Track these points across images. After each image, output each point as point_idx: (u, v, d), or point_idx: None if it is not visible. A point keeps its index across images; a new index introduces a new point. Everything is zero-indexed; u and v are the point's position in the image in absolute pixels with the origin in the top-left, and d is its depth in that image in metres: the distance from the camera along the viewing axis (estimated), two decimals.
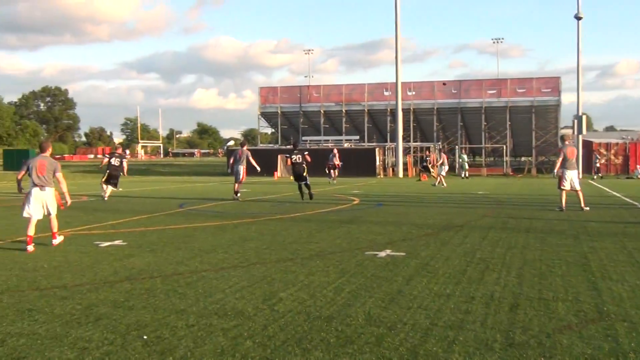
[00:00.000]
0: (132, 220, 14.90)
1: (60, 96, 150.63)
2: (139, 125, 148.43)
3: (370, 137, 62.55)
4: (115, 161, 24.62)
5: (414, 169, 53.48)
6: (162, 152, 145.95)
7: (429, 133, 63.04)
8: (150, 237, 11.90)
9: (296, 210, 17.43)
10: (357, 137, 58.93)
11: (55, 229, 11.18)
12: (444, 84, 60.34)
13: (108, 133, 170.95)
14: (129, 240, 11.38)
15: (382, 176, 51.02)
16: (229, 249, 10.33)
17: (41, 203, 10.90)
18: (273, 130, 73.32)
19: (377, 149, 52.07)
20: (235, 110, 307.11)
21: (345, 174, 49.19)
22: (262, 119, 65.43)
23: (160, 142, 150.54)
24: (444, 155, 35.72)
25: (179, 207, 19.19)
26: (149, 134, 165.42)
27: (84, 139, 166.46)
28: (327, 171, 40.63)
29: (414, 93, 59.85)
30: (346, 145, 56.93)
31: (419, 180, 34.43)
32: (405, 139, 58.37)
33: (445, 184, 34.15)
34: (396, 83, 51.83)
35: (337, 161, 39.68)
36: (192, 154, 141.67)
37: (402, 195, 24.81)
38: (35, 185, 10.93)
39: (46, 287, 7.52)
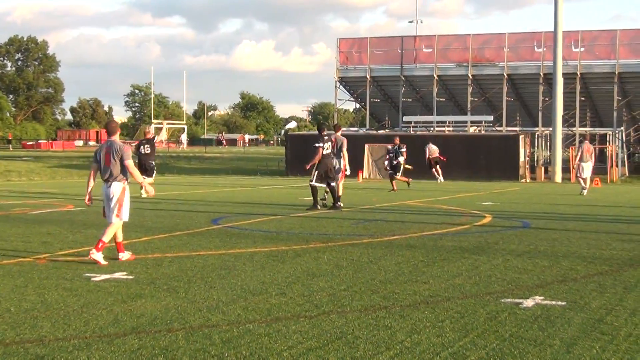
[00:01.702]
0: (141, 242, 15.20)
1: (35, 52, 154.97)
2: (152, 96, 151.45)
3: (511, 117, 61.95)
4: (144, 149, 28.90)
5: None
6: (185, 136, 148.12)
7: (605, 112, 61.88)
8: (168, 268, 12.14)
9: (392, 231, 17.43)
10: (491, 118, 58.53)
11: (105, 238, 12.73)
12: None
13: (105, 108, 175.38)
14: (136, 273, 11.63)
15: (528, 180, 50.40)
16: (288, 288, 10.42)
17: (110, 202, 13.02)
18: (358, 105, 73.58)
19: (521, 137, 51.56)
20: (299, 75, 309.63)
21: (471, 175, 48.87)
22: (341, 88, 65.77)
23: (184, 122, 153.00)
24: (586, 146, 34.00)
25: (212, 222, 19.48)
26: (167, 110, 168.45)
27: (69, 116, 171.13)
28: (431, 168, 41.31)
29: (583, 49, 58.92)
30: (473, 130, 56.57)
31: (582, 193, 33.28)
32: (568, 120, 57.49)
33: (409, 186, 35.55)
34: (555, 33, 51.12)
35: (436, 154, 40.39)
36: (235, 141, 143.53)
37: (562, 211, 24.45)
38: (103, 180, 13.14)
39: (14, 340, 7.75)
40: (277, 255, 13.49)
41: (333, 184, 23.63)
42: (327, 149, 23.63)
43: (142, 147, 28.85)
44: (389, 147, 37.40)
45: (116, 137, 13.24)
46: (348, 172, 24.88)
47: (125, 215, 13.08)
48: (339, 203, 24.04)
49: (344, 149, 24.67)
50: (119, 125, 13.51)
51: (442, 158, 44.82)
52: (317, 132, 24.30)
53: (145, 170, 28.24)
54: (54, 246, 14.68)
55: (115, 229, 12.96)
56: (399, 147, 36.03)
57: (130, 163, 12.96)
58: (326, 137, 23.72)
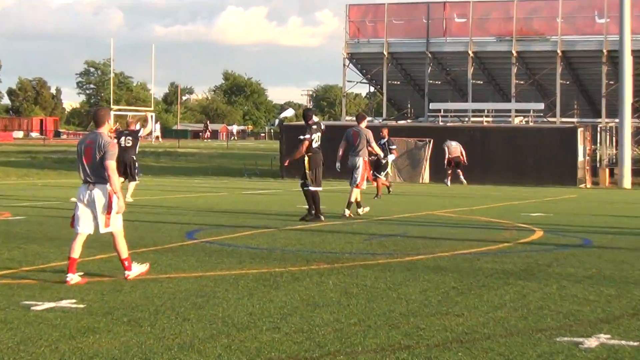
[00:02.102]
0: (95, 261, 15.13)
1: None
2: (111, 76, 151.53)
3: (567, 105, 61.93)
4: (126, 141, 29.97)
5: None
6: (154, 126, 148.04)
7: None
8: (129, 295, 12.07)
9: (416, 249, 17.42)
10: (541, 106, 58.49)
11: (123, 255, 13.35)
12: None
13: (52, 90, 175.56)
14: (88, 300, 11.56)
15: (589, 185, 50.41)
16: (283, 322, 10.36)
17: (89, 210, 13.28)
18: (373, 89, 73.60)
19: (580, 131, 51.52)
20: (298, 50, 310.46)
21: (516, 178, 48.85)
22: (351, 67, 65.78)
23: (152, 108, 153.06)
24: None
25: (186, 236, 19.44)
26: (130, 93, 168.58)
27: (6, 100, 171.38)
28: (449, 168, 42.21)
29: None
30: (519, 120, 56.62)
31: None
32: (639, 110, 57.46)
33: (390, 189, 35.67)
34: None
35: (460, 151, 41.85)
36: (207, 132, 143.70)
37: (632, 225, 24.40)
38: (82, 181, 13.42)
39: None
40: (269, 279, 13.46)
41: (314, 188, 23.61)
42: (317, 141, 23.66)
43: (122, 138, 29.76)
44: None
45: (104, 129, 13.34)
46: (381, 155, 26.09)
47: (118, 224, 13.35)
48: (348, 213, 24.35)
49: (372, 143, 25.26)
50: (109, 114, 13.77)
51: (463, 159, 45.10)
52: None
53: (125, 169, 29.44)
54: None
55: (122, 238, 13.43)
56: (388, 142, 35.93)
57: (111, 165, 13.02)
58: (315, 127, 23.69)
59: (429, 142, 51.45)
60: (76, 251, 13.13)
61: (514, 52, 60.83)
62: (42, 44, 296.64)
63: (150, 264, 14.79)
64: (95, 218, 13.17)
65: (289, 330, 9.90)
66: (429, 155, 51.35)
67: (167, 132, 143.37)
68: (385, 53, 63.18)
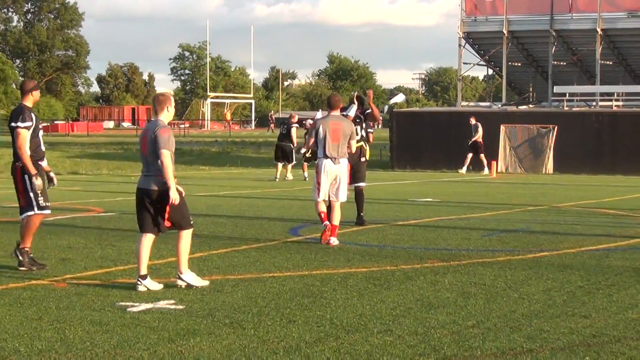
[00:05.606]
0: (194, 260, 15.27)
1: (52, 0, 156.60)
2: (208, 61, 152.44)
3: None
4: None
5: None
6: (253, 115, 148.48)
7: None
8: (230, 295, 12.25)
9: (539, 245, 17.41)
10: None
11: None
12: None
13: (145, 77, 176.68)
14: (188, 301, 11.77)
15: None
16: (396, 324, 10.43)
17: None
18: (491, 71, 73.13)
19: None
20: (410, 30, 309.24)
21: None
22: (467, 47, 65.32)
23: (251, 95, 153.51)
24: None
25: (290, 232, 19.63)
26: (228, 79, 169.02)
27: (96, 87, 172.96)
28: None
29: None
30: None
31: None
32: None
33: None
34: None
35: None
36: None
37: None
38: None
39: None
40: (380, 278, 13.54)
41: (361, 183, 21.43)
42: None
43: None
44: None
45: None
46: None
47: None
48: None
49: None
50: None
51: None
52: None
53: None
54: (77, 264, 14.84)
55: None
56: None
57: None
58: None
59: (553, 129, 50.86)
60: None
61: None
62: (135, 26, 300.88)
63: (253, 262, 14.99)
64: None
65: (402, 333, 9.97)
66: (553, 143, 50.78)
67: (266, 121, 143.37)
68: (505, 32, 62.49)
